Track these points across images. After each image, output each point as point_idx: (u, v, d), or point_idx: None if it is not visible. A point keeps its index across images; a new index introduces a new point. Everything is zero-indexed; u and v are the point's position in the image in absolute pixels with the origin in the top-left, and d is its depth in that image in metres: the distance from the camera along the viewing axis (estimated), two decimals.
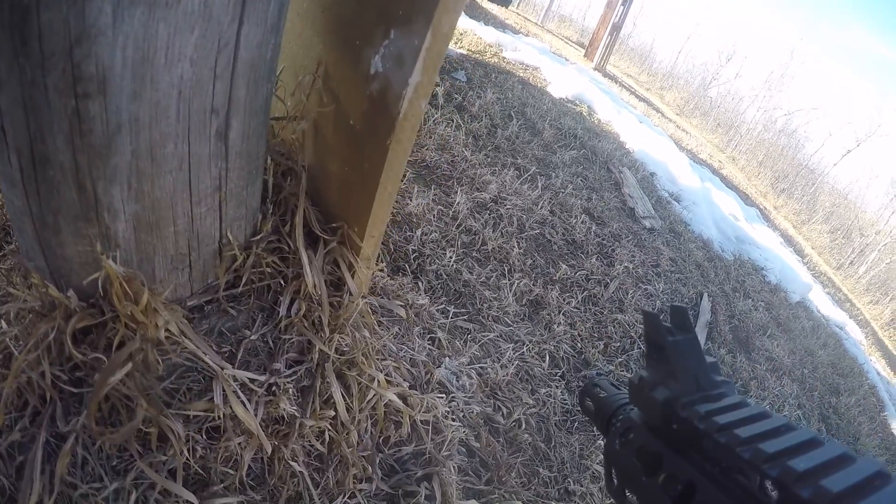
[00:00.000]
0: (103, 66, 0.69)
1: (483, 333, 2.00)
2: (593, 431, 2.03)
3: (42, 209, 0.83)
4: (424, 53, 0.91)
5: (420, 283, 1.96)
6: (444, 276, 2.09)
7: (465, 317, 2.01)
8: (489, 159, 3.26)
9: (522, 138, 3.90)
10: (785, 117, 28.64)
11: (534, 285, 2.48)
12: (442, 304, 1.97)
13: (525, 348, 2.10)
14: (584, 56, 11.51)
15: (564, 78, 6.40)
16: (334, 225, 1.18)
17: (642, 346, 2.70)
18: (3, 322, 0.97)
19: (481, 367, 1.83)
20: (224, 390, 0.93)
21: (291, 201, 1.15)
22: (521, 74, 5.55)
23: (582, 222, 3.31)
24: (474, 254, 2.38)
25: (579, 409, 2.14)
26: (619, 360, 2.55)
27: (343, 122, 1.10)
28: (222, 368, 0.92)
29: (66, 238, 0.86)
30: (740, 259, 5.32)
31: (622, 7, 10.85)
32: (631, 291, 3.04)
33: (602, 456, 1.86)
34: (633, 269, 3.28)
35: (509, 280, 2.38)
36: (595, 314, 2.70)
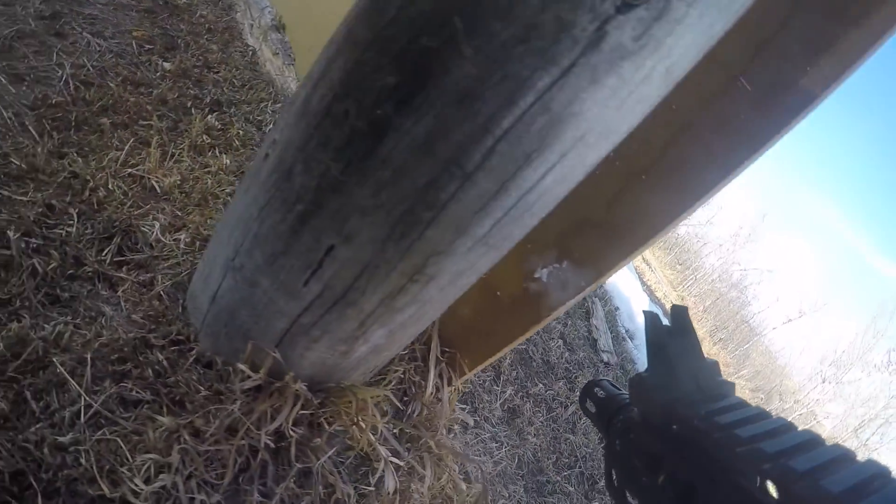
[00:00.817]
0: (440, 270, 0.96)
1: (477, 431, 2.43)
2: None
3: (314, 325, 1.07)
4: (580, 293, 1.32)
5: None
6: None
7: (468, 411, 2.44)
8: None
9: None
10: (741, 272, 29.69)
11: (515, 396, 2.92)
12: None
13: (504, 449, 2.53)
14: None
15: None
16: (447, 350, 1.61)
17: (583, 468, 3.15)
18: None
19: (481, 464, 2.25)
20: (385, 470, 1.31)
21: (428, 329, 1.59)
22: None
23: (557, 346, 3.76)
24: None
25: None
26: (564, 473, 2.95)
27: (490, 288, 1.50)
28: (387, 456, 1.33)
29: (319, 347, 1.12)
30: None
31: None
32: (583, 418, 3.48)
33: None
34: None
35: (500, 388, 2.82)
36: (553, 430, 3.12)
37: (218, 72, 2.46)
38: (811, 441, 0.42)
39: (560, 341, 3.86)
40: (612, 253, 1.29)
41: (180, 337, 1.25)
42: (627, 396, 0.65)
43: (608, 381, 0.74)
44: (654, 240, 1.24)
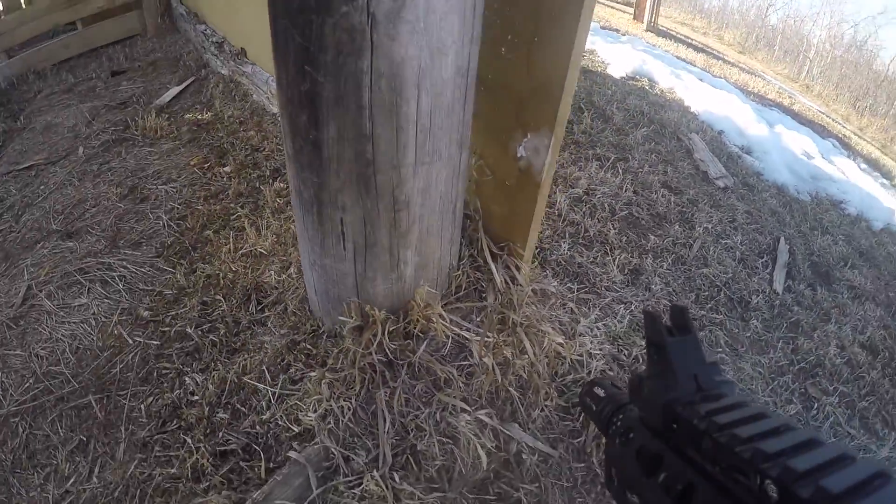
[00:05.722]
0: (408, 195, 1.39)
1: (600, 300, 2.62)
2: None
3: (365, 270, 1.53)
4: (551, 147, 1.57)
5: (547, 271, 2.60)
6: (563, 263, 2.73)
7: (584, 290, 2.64)
8: (573, 156, 3.85)
9: (596, 128, 4.44)
10: (852, 29, 26.97)
11: (631, 257, 3.07)
12: (566, 283, 2.60)
13: (633, 306, 2.70)
14: (634, 18, 11.52)
15: (620, 55, 6.88)
16: (501, 244, 1.88)
17: (728, 293, 3.25)
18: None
19: (604, 324, 2.45)
20: (478, 350, 1.64)
21: (474, 236, 1.86)
22: (581, 63, 5.97)
23: (662, 196, 3.83)
24: (580, 241, 3.01)
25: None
26: (709, 305, 3.08)
27: (501, 183, 1.79)
28: (476, 335, 1.63)
29: (379, 282, 1.57)
30: (817, 197, 5.57)
31: None
32: (712, 248, 3.56)
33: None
34: (711, 228, 3.78)
35: (612, 256, 2.98)
36: (684, 272, 3.23)
37: (264, 150, 3.22)
38: (811, 441, 0.43)
39: (663, 190, 3.91)
40: (547, 108, 1.55)
41: (314, 328, 1.85)
42: (627, 396, 0.66)
43: (608, 380, 0.74)
44: (567, 94, 1.50)
